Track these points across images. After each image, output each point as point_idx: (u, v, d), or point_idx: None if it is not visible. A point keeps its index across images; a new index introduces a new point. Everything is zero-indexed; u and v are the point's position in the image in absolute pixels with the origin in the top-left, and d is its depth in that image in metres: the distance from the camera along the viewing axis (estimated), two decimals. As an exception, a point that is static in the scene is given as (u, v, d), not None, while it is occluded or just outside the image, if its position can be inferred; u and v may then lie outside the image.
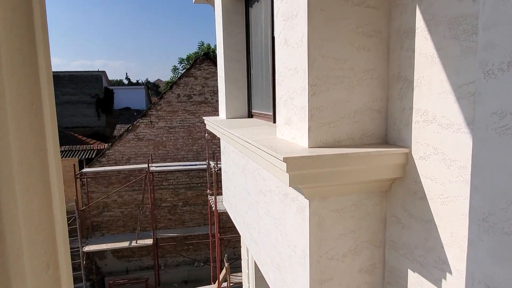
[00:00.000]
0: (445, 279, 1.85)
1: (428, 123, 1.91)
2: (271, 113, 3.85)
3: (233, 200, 4.79)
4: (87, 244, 10.93)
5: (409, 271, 2.13)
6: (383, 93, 2.24)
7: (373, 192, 2.29)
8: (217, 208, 7.85)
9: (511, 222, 0.88)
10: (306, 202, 2.21)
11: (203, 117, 5.47)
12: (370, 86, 2.22)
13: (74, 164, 10.67)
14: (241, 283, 7.60)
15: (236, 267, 10.63)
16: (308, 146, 2.17)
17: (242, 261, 7.29)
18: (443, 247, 1.85)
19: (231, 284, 7.66)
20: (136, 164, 11.97)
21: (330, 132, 2.19)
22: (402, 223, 2.16)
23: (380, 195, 2.30)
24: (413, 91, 2.02)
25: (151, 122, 12.18)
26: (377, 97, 2.23)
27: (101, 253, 12.23)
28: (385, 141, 2.28)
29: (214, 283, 8.33)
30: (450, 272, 1.81)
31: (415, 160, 2.03)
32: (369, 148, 2.09)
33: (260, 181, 3.25)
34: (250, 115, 4.84)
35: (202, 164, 11.12)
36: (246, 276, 6.90)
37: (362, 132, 2.25)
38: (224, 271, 7.75)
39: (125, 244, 11.05)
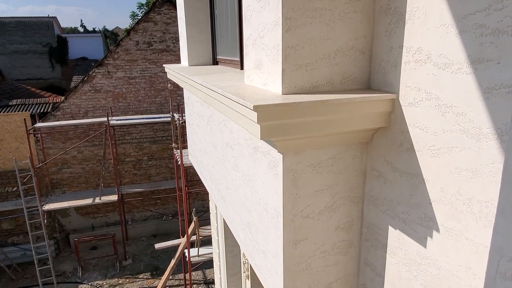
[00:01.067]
0: (431, 237, 1.69)
1: (422, 63, 1.64)
2: (238, 59, 3.47)
3: (199, 154, 4.49)
4: (47, 203, 10.43)
5: (390, 228, 1.97)
6: (368, 30, 1.93)
7: (353, 143, 2.05)
8: (184, 162, 7.55)
9: None
10: (279, 156, 1.95)
11: (164, 65, 4.98)
12: (353, 21, 1.90)
13: (24, 119, 9.82)
14: (210, 236, 7.55)
15: (205, 219, 10.62)
16: (281, 92, 1.87)
17: (210, 214, 7.18)
18: (430, 203, 1.67)
19: (200, 237, 7.60)
20: (95, 117, 11.25)
21: (307, 76, 1.89)
22: (384, 177, 1.96)
23: (361, 147, 2.08)
24: (404, 25, 1.72)
25: (108, 72, 11.30)
26: (360, 34, 1.93)
27: (63, 211, 11.80)
28: (368, 86, 2.01)
29: (183, 237, 8.25)
30: (438, 230, 1.64)
31: (402, 107, 1.78)
32: (352, 94, 1.82)
33: (227, 133, 2.95)
34: (215, 61, 4.43)
35: (166, 117, 10.60)
36: (215, 230, 6.82)
37: (342, 76, 1.96)
38: (192, 224, 7.63)
39: (88, 201, 10.64)
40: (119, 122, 10.56)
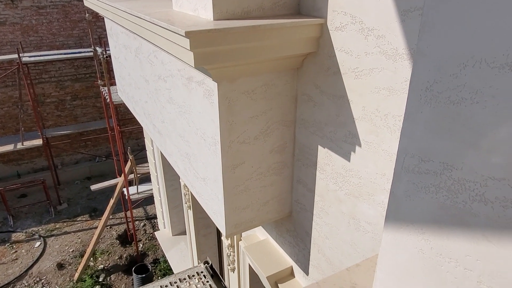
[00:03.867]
0: (354, 151, 1.89)
1: (347, -13, 1.69)
2: (164, -17, 3.23)
3: (129, 90, 4.30)
4: (-41, 152, 9.44)
5: (319, 147, 2.15)
6: (297, -48, 1.91)
7: (284, 70, 2.12)
8: (113, 100, 7.17)
9: (460, 90, 0.77)
10: (213, 85, 1.97)
11: (79, -9, 4.46)
12: None
13: None
14: (148, 173, 7.54)
15: (141, 157, 10.47)
16: (213, 18, 1.83)
17: (147, 152, 7.10)
18: (354, 121, 1.85)
19: (138, 175, 7.55)
20: (3, 54, 9.96)
21: (238, 1, 1.86)
22: (314, 100, 2.09)
23: (292, 73, 2.16)
24: None
25: (12, 1, 9.83)
26: (290, -44, 1.90)
27: (-19, 160, 10.81)
28: (298, 11, 2.04)
29: (120, 176, 8.13)
30: (360, 145, 1.84)
31: (330, 31, 1.86)
32: (282, 20, 1.84)
33: (158, 65, 2.85)
34: (137, -13, 4.06)
35: (88, 51, 9.73)
36: (153, 166, 6.81)
37: (273, 1, 1.95)
38: (129, 163, 7.52)
39: (9, 147, 9.81)
40: (33, 59, 9.48)
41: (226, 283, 4.13)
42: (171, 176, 6.26)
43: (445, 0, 0.76)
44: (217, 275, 2.25)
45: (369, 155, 1.80)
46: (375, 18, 1.59)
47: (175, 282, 2.13)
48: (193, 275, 2.15)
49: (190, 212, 5.11)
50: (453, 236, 0.87)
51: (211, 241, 5.50)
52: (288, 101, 2.22)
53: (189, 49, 1.63)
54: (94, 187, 8.51)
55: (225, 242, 3.78)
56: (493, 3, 0.68)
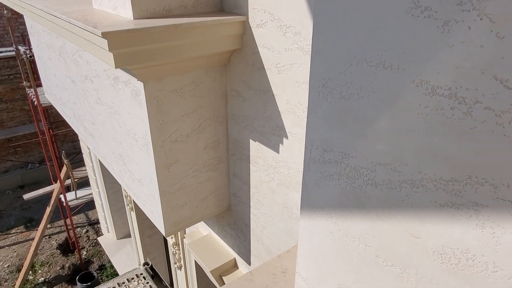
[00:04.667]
0: (282, 143, 1.98)
1: (264, -15, 1.75)
2: (85, -21, 3.08)
3: (56, 91, 4.06)
4: None
5: (251, 141, 2.21)
6: (215, -50, 1.93)
7: (212, 67, 2.15)
8: (41, 102, 6.71)
9: (349, 86, 0.85)
10: (140, 85, 1.94)
11: (-9, -14, 4.10)
12: None
13: None
14: (87, 177, 7.20)
15: (79, 161, 9.94)
16: (133, 17, 1.80)
17: (83, 155, 6.77)
18: (280, 115, 1.92)
19: (76, 180, 7.17)
20: None
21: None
22: (242, 96, 2.15)
23: (220, 69, 2.19)
24: None
25: None
26: (208, -46, 1.92)
27: None
28: (221, 8, 2.06)
29: (56, 182, 7.67)
30: (286, 137, 1.93)
31: (252, 28, 1.91)
32: (204, 17, 1.86)
33: (84, 65, 2.73)
34: (57, -18, 3.83)
35: (9, 51, 8.98)
36: (91, 169, 6.52)
37: (195, -1, 1.96)
38: (64, 168, 7.11)
39: None
40: None
41: (175, 282, 4.11)
42: (111, 179, 6.04)
43: (331, 4, 0.83)
44: (157, 276, 2.24)
45: (295, 146, 1.90)
46: (291, 16, 1.66)
47: (114, 287, 2.09)
48: (133, 278, 2.12)
49: (133, 214, 4.99)
50: (354, 218, 0.96)
51: (157, 241, 5.42)
52: (218, 97, 2.26)
53: (107, 50, 1.59)
54: (27, 196, 7.95)
55: (170, 240, 3.76)
56: (368, 9, 0.76)
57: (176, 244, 3.63)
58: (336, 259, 1.07)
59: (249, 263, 2.71)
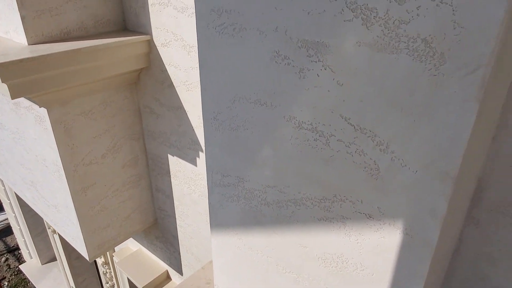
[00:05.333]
0: (199, 157, 2.04)
1: (164, 6, 1.78)
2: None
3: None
4: None
5: (169, 156, 2.24)
6: (112, -30, 1.91)
7: (122, 86, 2.13)
8: None
9: (235, 119, 0.94)
10: (43, 110, 1.86)
11: None
12: (93, -41, 1.83)
13: None
14: (6, 220, 6.56)
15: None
16: (27, 43, 1.72)
17: (-8, 178, 6.15)
18: (193, 130, 1.98)
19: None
20: None
21: (54, 22, 1.78)
22: (156, 112, 2.16)
23: (130, 87, 2.17)
24: (143, -32, 1.79)
25: None
26: (105, -26, 1.89)
27: None
28: (124, 27, 2.05)
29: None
30: (202, 151, 1.99)
31: (157, 47, 1.93)
32: (106, 39, 1.83)
33: (-22, 88, 2.51)
34: None
35: None
36: (3, 193, 5.97)
37: (95, 19, 1.93)
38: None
39: None
40: None
41: (109, 301, 3.97)
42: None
43: (210, 50, 0.91)
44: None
45: (211, 159, 1.97)
46: (193, 36, 1.72)
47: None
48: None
49: (56, 237, 4.69)
50: (255, 233, 1.06)
51: (86, 262, 5.16)
52: (131, 115, 2.24)
53: (0, 81, 1.51)
54: None
55: (99, 260, 3.62)
56: (242, 55, 0.85)
57: (105, 263, 3.52)
58: (246, 270, 1.17)
59: (181, 273, 2.74)
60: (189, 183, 2.20)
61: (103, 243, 2.38)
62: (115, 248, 3.35)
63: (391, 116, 0.68)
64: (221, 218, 1.14)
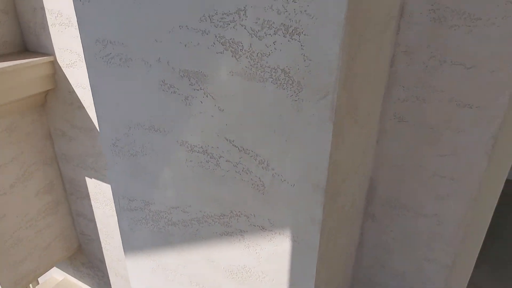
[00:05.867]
0: (118, 177, 1.99)
1: (65, 26, 1.72)
2: None
3: None
4: None
5: (87, 179, 2.16)
6: (4, -11, 1.80)
7: (28, 109, 2.01)
8: None
9: (133, 145, 0.96)
10: None
11: None
12: (-19, -22, 1.71)
13: None
14: None
15: None
16: None
17: None
18: (109, 150, 1.93)
19: None
20: None
21: None
22: (68, 135, 2.07)
23: (37, 110, 2.06)
24: (39, -13, 1.72)
25: None
26: (-4, -7, 1.78)
27: None
28: (25, 48, 1.94)
29: None
30: (120, 170, 1.95)
31: (62, 68, 1.86)
32: (4, 62, 1.72)
33: None
34: None
35: None
36: None
37: (-11, 41, 1.80)
38: None
39: None
40: None
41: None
42: None
43: (101, 76, 0.92)
44: None
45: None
46: (99, 56, 1.69)
47: None
48: None
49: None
50: (166, 253, 1.08)
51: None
52: (41, 139, 2.12)
53: None
54: None
55: (22, 296, 3.34)
56: (133, 82, 0.87)
57: (29, 298, 3.26)
58: (164, 289, 1.18)
59: (112, 297, 2.64)
60: (110, 205, 2.14)
61: (21, 278, 2.22)
62: (38, 279, 3.12)
63: (267, 137, 0.74)
64: (133, 242, 1.15)
